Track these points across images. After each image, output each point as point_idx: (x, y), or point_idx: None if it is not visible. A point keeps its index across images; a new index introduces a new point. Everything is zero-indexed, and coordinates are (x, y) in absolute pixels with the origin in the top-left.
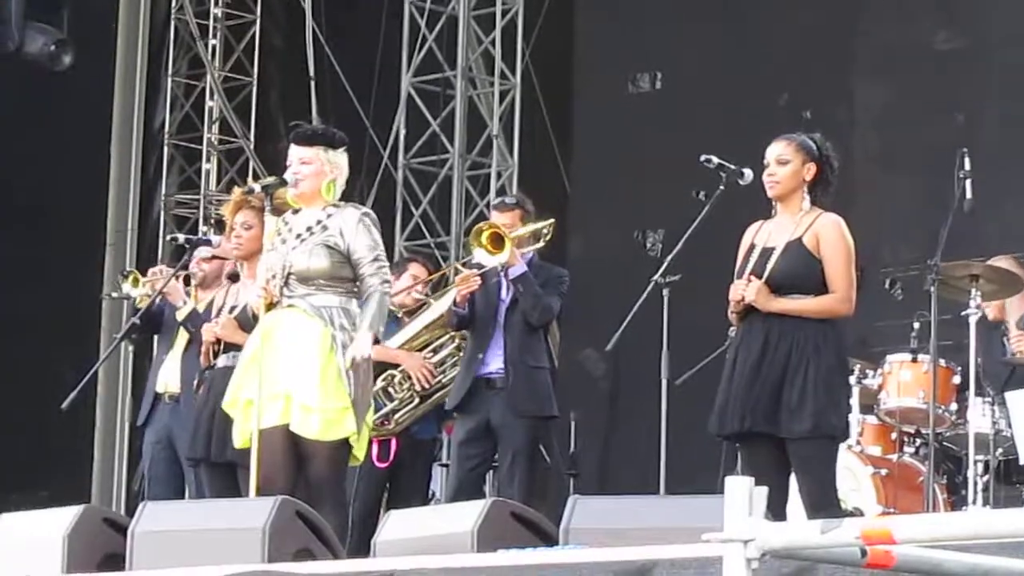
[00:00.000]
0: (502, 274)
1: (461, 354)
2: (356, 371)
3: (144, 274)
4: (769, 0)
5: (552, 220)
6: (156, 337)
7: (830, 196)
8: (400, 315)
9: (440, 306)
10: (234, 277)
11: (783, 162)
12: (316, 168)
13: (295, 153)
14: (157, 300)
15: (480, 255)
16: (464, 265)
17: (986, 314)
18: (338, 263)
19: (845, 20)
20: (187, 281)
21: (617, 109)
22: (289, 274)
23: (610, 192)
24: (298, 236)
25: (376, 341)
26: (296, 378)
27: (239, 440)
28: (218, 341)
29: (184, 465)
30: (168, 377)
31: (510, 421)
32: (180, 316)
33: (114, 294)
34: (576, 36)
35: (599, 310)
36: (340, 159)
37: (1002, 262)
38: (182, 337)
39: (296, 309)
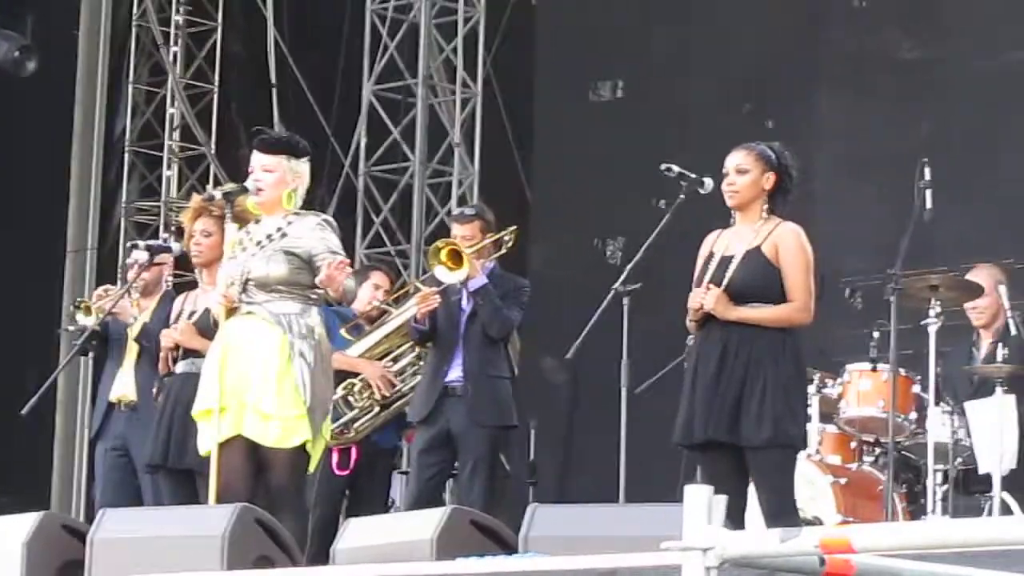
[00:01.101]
0: (463, 286)
1: (421, 363)
2: (313, 377)
3: (92, 299)
4: (732, 8)
5: (515, 228)
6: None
7: (789, 205)
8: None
9: (402, 316)
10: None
11: (742, 171)
12: (278, 176)
13: (257, 160)
14: (106, 319)
15: (440, 272)
16: (423, 281)
17: (970, 319)
18: (296, 269)
19: (808, 29)
20: (128, 293)
21: (578, 117)
22: (247, 280)
23: (571, 200)
24: (258, 243)
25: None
26: (254, 385)
27: (204, 448)
28: (177, 348)
29: (140, 473)
30: (122, 387)
31: (470, 430)
32: (133, 333)
33: (70, 327)
34: (537, 44)
35: (559, 318)
36: (302, 168)
37: (982, 271)
38: (133, 349)
39: (255, 316)
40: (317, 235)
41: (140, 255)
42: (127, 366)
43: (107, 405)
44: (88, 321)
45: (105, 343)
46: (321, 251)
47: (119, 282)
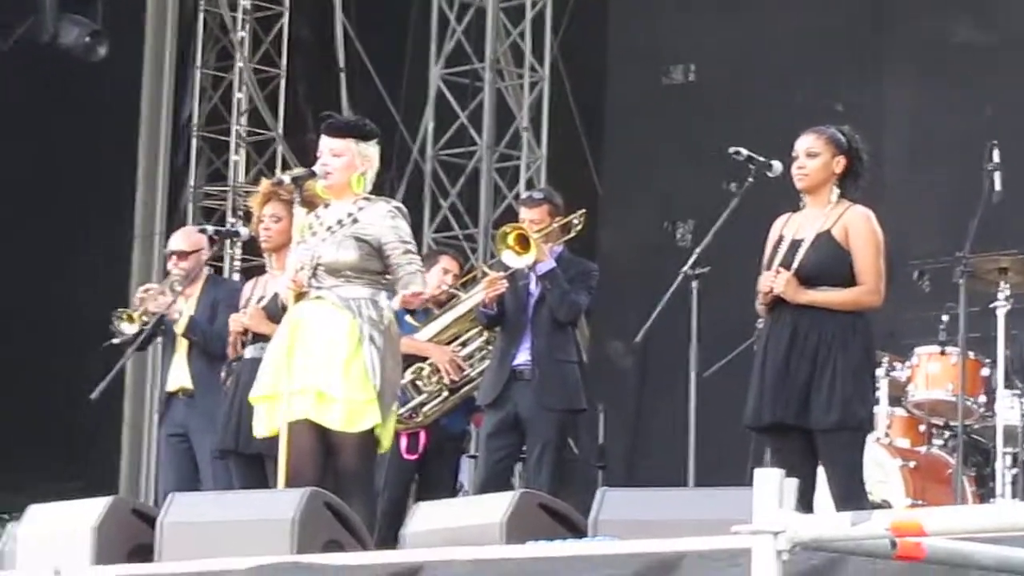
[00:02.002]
0: (530, 270)
1: (490, 348)
2: (383, 362)
3: (135, 303)
4: None
5: (583, 211)
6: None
7: (859, 189)
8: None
9: (470, 300)
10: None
11: (812, 155)
12: (347, 160)
13: (326, 144)
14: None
15: (507, 257)
16: (491, 266)
17: None
18: (367, 255)
19: (876, 13)
20: (170, 290)
21: (649, 101)
22: (318, 266)
23: (641, 184)
24: (328, 229)
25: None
26: (323, 370)
27: (263, 429)
28: (245, 332)
29: (201, 459)
30: (178, 377)
31: (538, 414)
32: (180, 330)
33: (115, 340)
34: (609, 28)
35: (628, 302)
36: (371, 151)
37: None
38: (182, 347)
39: (324, 301)
40: (388, 223)
41: (174, 244)
42: (179, 357)
43: (167, 393)
44: (131, 329)
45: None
46: (392, 240)
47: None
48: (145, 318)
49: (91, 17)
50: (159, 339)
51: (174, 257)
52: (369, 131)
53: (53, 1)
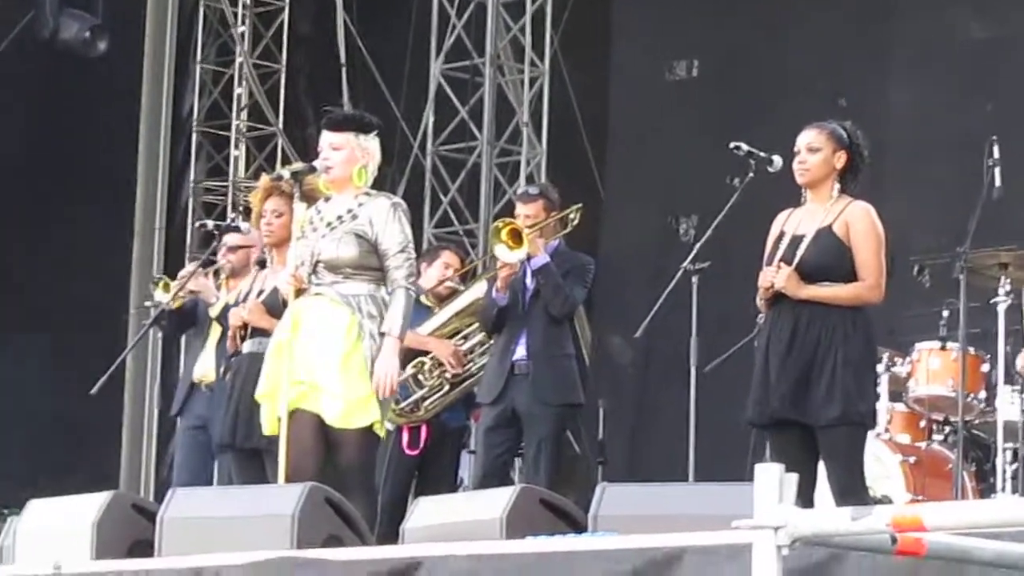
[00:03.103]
0: (525, 264)
1: (491, 342)
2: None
3: (173, 278)
4: None
5: (579, 205)
6: (192, 330)
7: (859, 184)
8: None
9: (471, 294)
10: (262, 264)
11: (814, 150)
12: (347, 154)
13: (326, 139)
14: (190, 299)
15: (500, 251)
16: (487, 262)
17: None
18: (367, 252)
19: (879, 9)
20: (216, 275)
21: (652, 96)
22: (317, 262)
23: (643, 179)
24: (328, 224)
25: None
26: (322, 366)
27: (268, 427)
28: (245, 327)
29: (216, 453)
30: (204, 367)
31: (536, 409)
32: (214, 313)
33: (147, 303)
34: (612, 23)
35: (630, 297)
36: (371, 144)
37: None
38: (216, 329)
39: (324, 297)
40: (387, 222)
41: (230, 238)
42: (209, 346)
43: (190, 384)
44: (164, 298)
45: (179, 325)
46: (392, 249)
47: (188, 263)
48: (180, 292)
49: (91, 12)
50: (162, 331)
51: (226, 250)
52: (369, 124)
53: None
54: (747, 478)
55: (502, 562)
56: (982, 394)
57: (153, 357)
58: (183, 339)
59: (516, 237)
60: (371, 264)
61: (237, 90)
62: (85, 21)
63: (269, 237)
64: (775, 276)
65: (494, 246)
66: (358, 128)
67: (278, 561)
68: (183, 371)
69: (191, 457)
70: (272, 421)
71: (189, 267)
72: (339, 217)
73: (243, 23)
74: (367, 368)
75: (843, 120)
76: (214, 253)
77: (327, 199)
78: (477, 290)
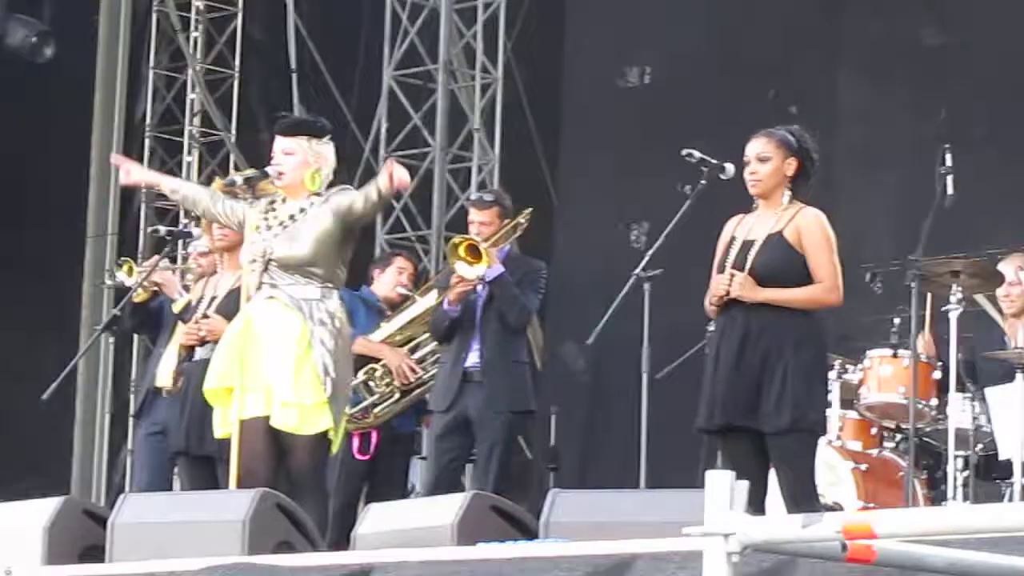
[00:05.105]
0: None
1: (442, 350)
2: (335, 365)
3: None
4: None
5: (529, 209)
6: (150, 333)
7: (811, 188)
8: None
9: (424, 302)
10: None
11: (764, 159)
12: (300, 159)
13: (278, 145)
14: (155, 299)
15: (460, 268)
16: (439, 273)
17: (1002, 308)
18: (322, 250)
19: (831, 15)
20: (183, 274)
21: (604, 103)
22: (270, 260)
23: (595, 185)
24: (281, 224)
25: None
26: (275, 371)
27: (220, 430)
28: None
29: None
30: (166, 371)
31: (486, 415)
32: (176, 308)
33: (108, 282)
34: (566, 30)
35: (582, 304)
36: (325, 149)
37: (1015, 259)
38: (178, 331)
39: (276, 301)
40: (339, 195)
41: (201, 244)
42: (170, 350)
43: (150, 389)
44: (128, 281)
45: (141, 319)
46: (349, 196)
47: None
48: (144, 280)
49: (38, 17)
50: (113, 337)
51: (197, 255)
52: (320, 128)
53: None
54: (699, 485)
55: (453, 568)
56: (933, 401)
57: (105, 361)
58: (135, 341)
59: (474, 252)
60: (325, 264)
61: (190, 96)
62: (32, 27)
63: (222, 241)
64: (729, 285)
65: (453, 263)
66: (310, 133)
67: (230, 567)
68: (147, 375)
69: (151, 463)
70: (224, 423)
71: (154, 258)
72: (291, 216)
73: (196, 29)
74: (319, 375)
75: (789, 125)
76: (172, 257)
77: (283, 199)
78: (430, 298)
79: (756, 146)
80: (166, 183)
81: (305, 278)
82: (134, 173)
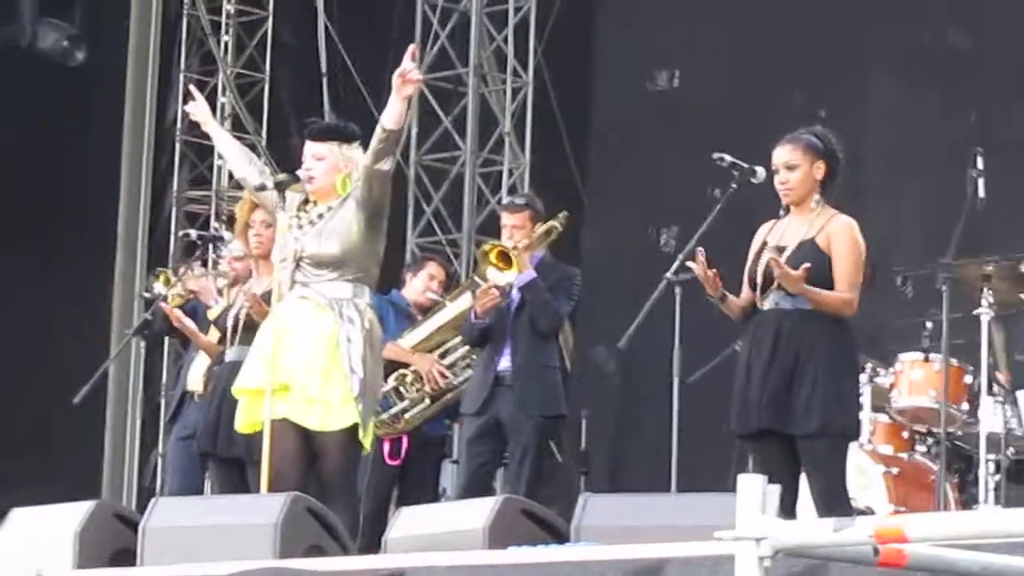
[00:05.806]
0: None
1: (473, 357)
2: (364, 363)
3: (175, 273)
4: None
5: (564, 212)
6: (180, 337)
7: (837, 187)
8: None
9: (454, 308)
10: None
11: (792, 167)
12: (330, 163)
13: (308, 149)
14: (189, 301)
15: (491, 273)
16: (473, 276)
17: None
18: (352, 246)
19: (860, 18)
20: (214, 280)
21: (634, 106)
22: (301, 258)
23: (625, 189)
24: (311, 222)
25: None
26: (303, 370)
27: (242, 425)
28: (222, 340)
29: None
30: (197, 375)
31: (518, 419)
32: (212, 315)
33: (146, 294)
34: (595, 34)
35: (612, 308)
36: (354, 153)
37: None
38: (213, 336)
39: (308, 301)
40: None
41: (235, 248)
42: (202, 355)
43: (183, 392)
44: (165, 290)
45: (163, 332)
46: (361, 161)
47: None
48: (179, 289)
49: (69, 21)
50: (144, 341)
51: (231, 259)
52: (351, 133)
53: (31, 5)
54: (730, 489)
55: (484, 572)
56: (965, 405)
57: (136, 365)
58: (166, 345)
59: (505, 258)
60: (355, 260)
61: (220, 100)
62: (63, 30)
63: (259, 248)
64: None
65: (484, 270)
66: (340, 138)
67: (260, 571)
68: (180, 379)
69: (183, 466)
70: (245, 419)
71: (192, 265)
72: (320, 216)
73: (226, 33)
74: (347, 374)
75: (812, 127)
76: (203, 261)
77: (314, 201)
78: (461, 304)
79: (783, 154)
80: (219, 138)
81: (337, 275)
82: (200, 112)
